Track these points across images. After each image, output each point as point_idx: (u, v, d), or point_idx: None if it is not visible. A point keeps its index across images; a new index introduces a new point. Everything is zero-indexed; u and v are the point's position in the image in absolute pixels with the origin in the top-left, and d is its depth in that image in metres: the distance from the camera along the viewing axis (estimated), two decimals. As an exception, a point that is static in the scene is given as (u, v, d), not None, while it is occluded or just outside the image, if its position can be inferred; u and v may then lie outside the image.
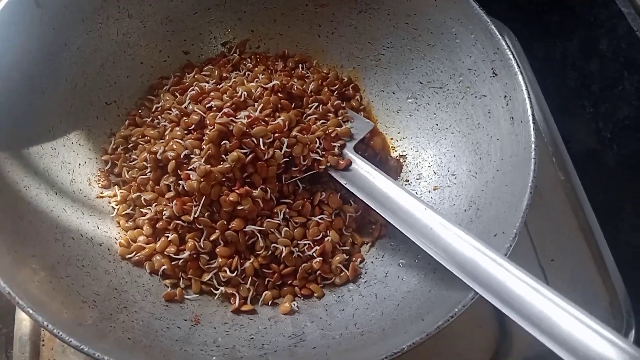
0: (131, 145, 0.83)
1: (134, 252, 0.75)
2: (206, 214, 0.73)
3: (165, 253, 0.74)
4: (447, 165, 0.82)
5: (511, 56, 0.74)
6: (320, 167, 0.78)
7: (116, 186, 0.81)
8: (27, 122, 0.74)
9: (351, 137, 0.82)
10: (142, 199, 0.76)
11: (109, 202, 0.80)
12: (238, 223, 0.72)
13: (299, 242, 0.75)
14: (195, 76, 0.86)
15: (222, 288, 0.73)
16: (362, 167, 0.77)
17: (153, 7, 0.87)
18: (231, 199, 0.71)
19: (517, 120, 0.72)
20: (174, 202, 0.73)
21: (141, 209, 0.77)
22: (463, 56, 0.81)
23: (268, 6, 0.92)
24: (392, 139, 0.89)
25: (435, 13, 0.83)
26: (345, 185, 0.77)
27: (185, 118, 0.77)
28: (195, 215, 0.72)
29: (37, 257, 0.65)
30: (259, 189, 0.73)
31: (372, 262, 0.79)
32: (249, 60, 0.92)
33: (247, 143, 0.72)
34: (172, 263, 0.74)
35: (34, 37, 0.75)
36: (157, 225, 0.76)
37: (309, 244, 0.75)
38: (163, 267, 0.74)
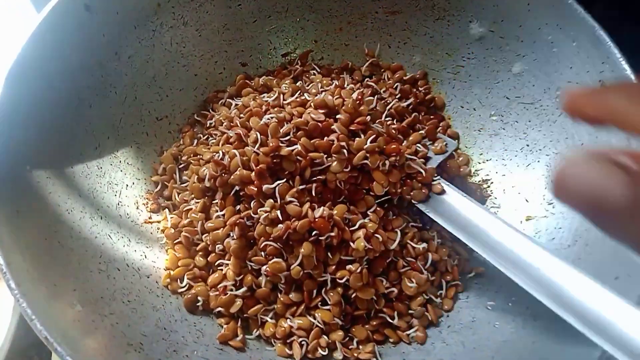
0: (182, 165, 0.75)
1: (186, 286, 0.66)
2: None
3: (219, 287, 0.65)
4: (542, 192, 0.71)
5: (626, 66, 0.63)
6: (406, 197, 0.68)
7: (166, 210, 0.72)
8: (73, 137, 0.67)
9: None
10: (199, 225, 0.67)
11: (158, 228, 0.71)
12: (308, 261, 0.62)
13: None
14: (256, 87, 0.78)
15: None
16: (450, 194, 0.67)
17: (210, 14, 0.80)
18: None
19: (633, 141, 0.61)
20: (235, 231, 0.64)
21: (194, 237, 0.68)
22: (561, 67, 0.70)
23: (333, 14, 0.84)
24: (472, 160, 0.79)
25: (528, 19, 0.73)
26: (429, 215, 0.67)
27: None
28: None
29: (79, 292, 0.57)
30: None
31: (455, 303, 0.68)
32: (312, 72, 0.83)
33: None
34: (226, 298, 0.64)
35: (83, 45, 0.68)
36: (208, 258, 0.67)
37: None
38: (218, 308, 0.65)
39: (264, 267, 0.63)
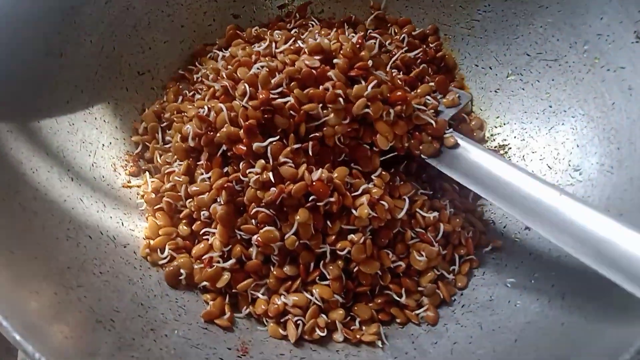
0: (165, 124, 0.67)
1: (168, 258, 0.58)
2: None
3: (204, 259, 0.57)
4: (568, 157, 0.63)
5: (667, 12, 0.56)
6: (415, 151, 0.61)
7: (147, 173, 0.65)
8: (39, 88, 0.59)
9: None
10: (183, 190, 0.60)
11: (138, 193, 0.64)
12: (305, 230, 0.55)
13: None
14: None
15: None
16: (465, 147, 0.60)
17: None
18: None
19: (675, 97, 0.53)
20: (222, 195, 0.56)
21: (177, 203, 0.61)
22: (590, 18, 0.63)
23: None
24: (487, 124, 0.71)
25: (553, -38, 0.65)
26: (442, 170, 0.59)
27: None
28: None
29: (41, 260, 0.49)
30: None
31: (470, 280, 0.61)
32: (311, 24, 0.75)
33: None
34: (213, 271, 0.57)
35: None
36: (193, 226, 0.59)
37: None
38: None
39: (255, 237, 0.56)
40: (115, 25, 0.67)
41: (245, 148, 0.56)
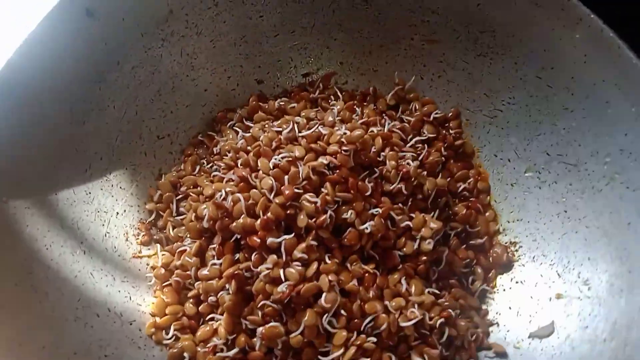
0: (180, 196, 0.67)
1: (172, 338, 0.59)
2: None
3: (209, 346, 0.58)
4: (578, 268, 0.63)
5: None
6: None
7: (158, 245, 0.65)
8: (62, 159, 0.60)
9: None
10: (193, 271, 0.60)
11: (147, 264, 0.64)
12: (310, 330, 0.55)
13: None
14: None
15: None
16: None
17: (227, 24, 0.71)
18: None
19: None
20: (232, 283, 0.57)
21: (186, 281, 0.61)
22: (615, 132, 0.62)
23: (364, 35, 0.75)
24: (500, 216, 0.71)
25: (583, 71, 0.64)
26: None
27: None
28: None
29: (49, 349, 0.50)
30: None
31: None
32: (333, 97, 0.75)
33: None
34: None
35: (80, 54, 0.61)
36: (200, 307, 0.60)
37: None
38: (205, 365, 0.58)
39: (260, 329, 0.56)
40: (140, 90, 0.67)
41: (259, 241, 0.56)
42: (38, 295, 0.52)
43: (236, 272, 0.57)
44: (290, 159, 0.59)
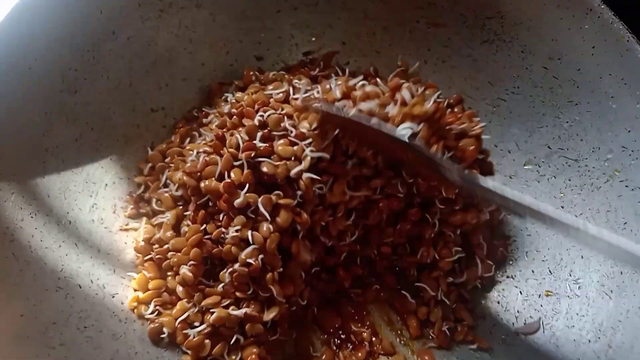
0: (169, 168, 0.66)
1: (154, 313, 0.59)
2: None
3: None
4: (570, 266, 0.62)
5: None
6: None
7: (144, 218, 0.64)
8: (50, 126, 0.59)
9: None
10: (170, 242, 0.59)
11: (134, 238, 0.64)
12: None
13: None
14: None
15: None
16: None
17: (231, -1, 0.70)
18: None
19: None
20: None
21: (165, 255, 0.60)
22: (618, 128, 0.61)
23: (369, 15, 0.73)
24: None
25: (590, 63, 0.62)
26: None
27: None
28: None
29: (26, 319, 0.50)
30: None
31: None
32: (333, 76, 0.73)
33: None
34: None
35: (75, 22, 0.60)
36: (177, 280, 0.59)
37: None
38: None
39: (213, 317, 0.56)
40: (135, 62, 0.66)
41: (225, 204, 0.55)
42: (19, 263, 0.52)
43: (200, 240, 0.56)
44: (278, 115, 0.57)
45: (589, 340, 0.56)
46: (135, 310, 0.59)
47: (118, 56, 0.64)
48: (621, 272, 0.57)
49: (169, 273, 0.60)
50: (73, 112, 0.61)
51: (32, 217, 0.55)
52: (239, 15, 0.71)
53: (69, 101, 0.61)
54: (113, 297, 0.59)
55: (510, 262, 0.66)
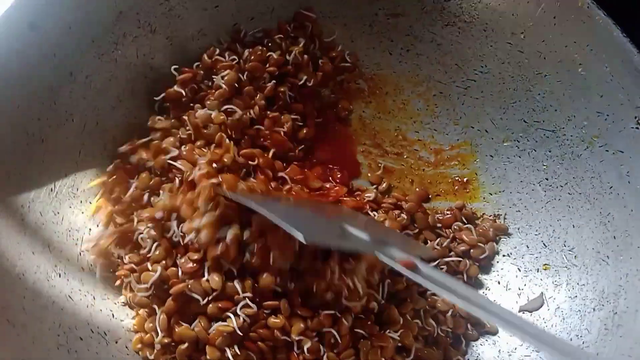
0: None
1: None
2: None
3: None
4: (563, 237, 0.63)
5: (673, 105, 0.54)
6: None
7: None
8: (24, 181, 0.57)
9: None
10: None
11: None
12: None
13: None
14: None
15: None
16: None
17: (183, 19, 0.68)
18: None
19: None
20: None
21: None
22: (590, 94, 0.61)
23: (327, 15, 0.72)
24: (485, 189, 0.70)
25: (553, 34, 0.63)
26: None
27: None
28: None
29: (33, 384, 0.49)
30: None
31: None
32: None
33: None
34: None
35: (28, 70, 0.57)
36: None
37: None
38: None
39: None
40: (98, 99, 0.64)
41: None
42: (16, 329, 0.51)
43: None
44: None
45: (594, 309, 0.57)
46: (140, 353, 0.58)
47: (80, 97, 0.62)
48: (614, 237, 0.58)
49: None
50: (44, 162, 0.59)
51: (20, 278, 0.54)
52: (196, 35, 0.70)
53: (38, 151, 0.59)
54: (116, 342, 0.58)
55: (504, 240, 0.67)
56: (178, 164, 0.61)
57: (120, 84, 0.66)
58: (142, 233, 0.59)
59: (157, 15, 0.66)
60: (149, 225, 0.59)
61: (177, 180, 0.61)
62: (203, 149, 0.63)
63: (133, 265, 0.59)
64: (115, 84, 0.65)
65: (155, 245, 0.59)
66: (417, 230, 0.64)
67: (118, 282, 0.60)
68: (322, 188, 0.67)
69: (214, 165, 0.60)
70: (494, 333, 0.62)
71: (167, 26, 0.68)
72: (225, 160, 0.61)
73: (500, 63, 0.67)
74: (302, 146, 0.69)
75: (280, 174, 0.65)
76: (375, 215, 0.64)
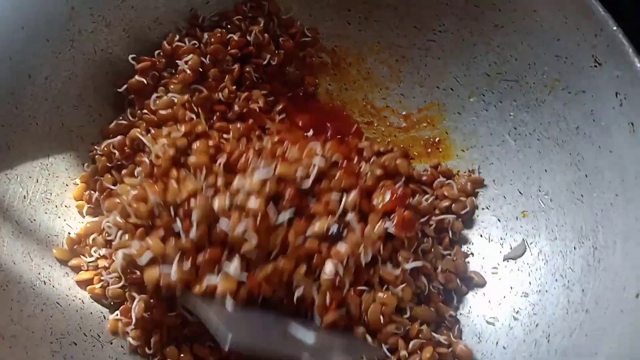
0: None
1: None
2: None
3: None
4: (537, 182, 0.64)
5: (624, 40, 0.56)
6: None
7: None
8: (-7, 192, 0.56)
9: None
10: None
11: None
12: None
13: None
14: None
15: None
16: None
17: (136, 9, 0.67)
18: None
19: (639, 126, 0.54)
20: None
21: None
22: (547, 39, 0.62)
23: (275, -7, 0.72)
24: (456, 146, 0.71)
25: (505, -16, 0.64)
26: None
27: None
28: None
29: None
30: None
31: None
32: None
33: None
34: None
35: (-16, 76, 0.55)
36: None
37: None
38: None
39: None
40: (60, 99, 0.63)
41: None
42: (6, 340, 0.50)
43: None
44: None
45: (574, 248, 0.58)
46: (139, 350, 0.57)
47: (41, 99, 0.61)
48: (585, 175, 0.59)
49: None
50: (13, 170, 0.58)
51: (4, 289, 0.53)
52: (152, 25, 0.69)
53: (6, 159, 0.57)
54: (111, 343, 0.58)
55: (482, 193, 0.68)
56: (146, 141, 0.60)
57: (80, 82, 0.65)
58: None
59: (110, 8, 0.65)
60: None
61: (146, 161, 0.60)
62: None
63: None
64: (76, 82, 0.64)
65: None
66: (402, 180, 0.63)
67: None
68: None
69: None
70: (482, 285, 0.64)
71: (122, 18, 0.66)
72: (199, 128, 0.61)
73: (458, 20, 0.68)
74: (282, 117, 0.69)
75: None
76: (362, 166, 0.63)
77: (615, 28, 0.56)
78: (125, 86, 0.65)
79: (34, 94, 0.61)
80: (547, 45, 0.62)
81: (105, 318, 0.59)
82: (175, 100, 0.64)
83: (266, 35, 0.69)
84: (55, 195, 0.62)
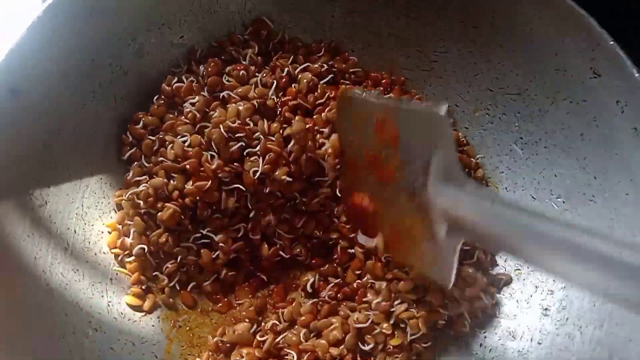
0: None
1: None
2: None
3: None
4: (548, 187, 0.68)
5: (620, 51, 0.60)
6: None
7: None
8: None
9: None
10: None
11: (158, 317, 0.63)
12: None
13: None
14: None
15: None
16: None
17: (151, 54, 0.69)
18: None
19: (642, 130, 0.59)
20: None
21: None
22: (546, 55, 0.67)
23: (286, 24, 0.75)
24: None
25: (501, 5, 0.68)
26: None
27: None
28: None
29: None
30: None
31: None
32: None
33: None
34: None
35: (14, 141, 0.56)
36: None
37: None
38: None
39: None
40: (86, 153, 0.64)
41: None
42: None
43: None
44: None
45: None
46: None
47: (70, 151, 0.62)
48: (595, 177, 0.64)
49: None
50: (52, 224, 0.59)
51: (60, 340, 0.54)
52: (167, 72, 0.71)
53: (45, 213, 0.59)
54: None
55: (496, 201, 0.72)
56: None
57: (105, 130, 0.66)
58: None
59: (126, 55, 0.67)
60: None
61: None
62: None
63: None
64: (101, 130, 0.66)
65: None
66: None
67: None
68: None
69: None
70: (509, 282, 0.68)
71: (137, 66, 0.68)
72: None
73: (458, 41, 0.72)
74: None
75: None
76: None
77: (611, 41, 0.61)
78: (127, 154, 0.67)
79: (64, 147, 0.62)
80: (546, 60, 0.67)
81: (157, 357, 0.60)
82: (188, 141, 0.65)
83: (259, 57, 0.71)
84: (92, 243, 0.63)
